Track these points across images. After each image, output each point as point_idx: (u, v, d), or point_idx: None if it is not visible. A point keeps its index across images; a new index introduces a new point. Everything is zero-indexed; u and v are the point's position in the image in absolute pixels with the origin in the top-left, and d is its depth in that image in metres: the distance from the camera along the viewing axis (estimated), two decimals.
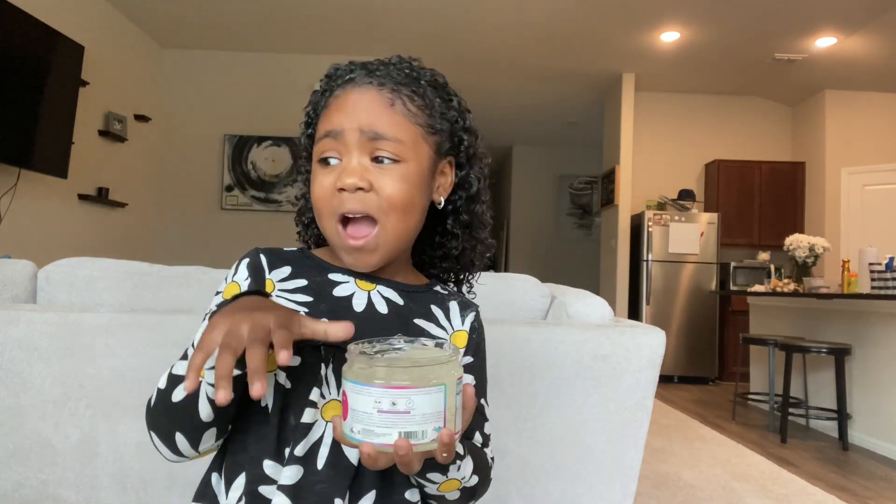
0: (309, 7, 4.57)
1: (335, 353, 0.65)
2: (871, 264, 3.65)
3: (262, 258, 0.72)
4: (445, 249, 0.80)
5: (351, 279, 0.72)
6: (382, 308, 0.70)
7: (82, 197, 4.32)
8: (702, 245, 5.65)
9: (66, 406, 1.10)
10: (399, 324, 0.70)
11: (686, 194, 5.98)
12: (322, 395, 0.64)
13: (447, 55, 5.42)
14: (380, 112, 0.68)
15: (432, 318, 0.73)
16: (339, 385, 0.63)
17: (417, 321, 0.72)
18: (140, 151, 5.04)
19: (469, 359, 0.74)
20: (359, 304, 0.70)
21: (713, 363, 5.61)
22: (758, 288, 4.47)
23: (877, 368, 3.40)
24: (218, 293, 0.71)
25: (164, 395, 0.61)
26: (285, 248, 0.76)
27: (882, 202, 5.50)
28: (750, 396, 4.49)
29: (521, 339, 1.14)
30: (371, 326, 0.67)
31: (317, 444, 0.63)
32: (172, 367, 0.62)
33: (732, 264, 5.81)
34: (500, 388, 1.13)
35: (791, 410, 3.80)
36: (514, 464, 1.14)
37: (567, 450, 1.15)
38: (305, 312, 0.66)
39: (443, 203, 0.75)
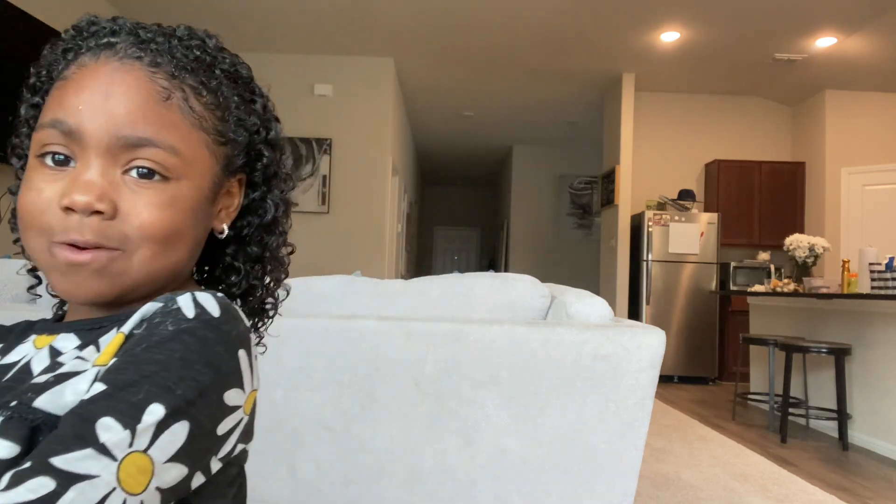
0: (309, 7, 4.57)
1: None
2: (871, 264, 3.65)
3: None
4: (225, 286, 0.61)
5: (32, 336, 0.51)
6: (38, 366, 0.48)
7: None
8: (702, 245, 5.65)
9: None
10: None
11: (686, 194, 5.98)
12: None
13: (447, 55, 5.42)
14: (147, 106, 0.47)
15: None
16: None
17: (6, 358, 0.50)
18: None
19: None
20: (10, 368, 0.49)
21: (713, 363, 5.61)
22: (758, 288, 4.47)
23: (877, 368, 3.40)
24: None
25: None
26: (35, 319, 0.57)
27: (882, 202, 5.51)
28: (750, 396, 4.49)
29: (521, 339, 1.14)
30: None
31: None
32: None
33: (732, 264, 5.82)
34: (500, 388, 1.13)
35: (791, 410, 3.80)
36: (514, 464, 1.14)
37: (567, 450, 1.15)
38: None
39: (226, 231, 0.57)
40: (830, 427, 3.71)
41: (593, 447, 1.15)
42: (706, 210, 6.02)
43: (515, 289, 1.30)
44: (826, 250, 4.31)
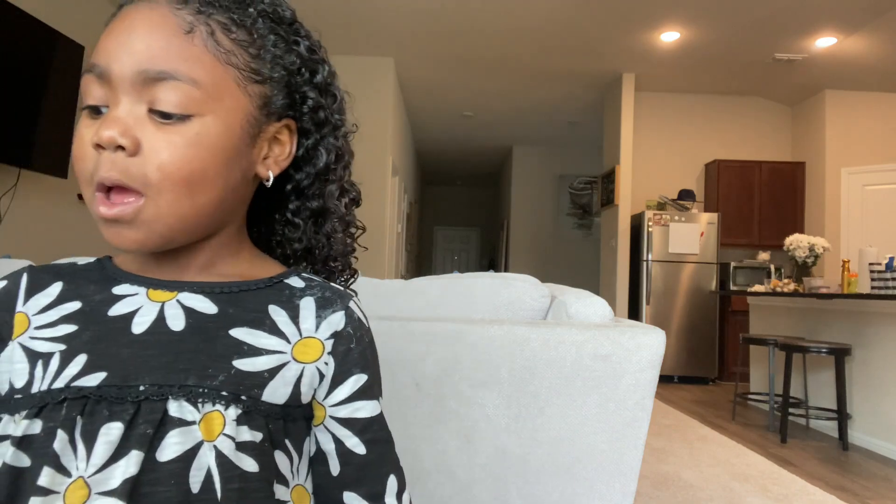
0: (309, 7, 4.56)
1: (88, 406, 0.45)
2: (871, 264, 3.65)
3: (23, 281, 0.53)
4: (287, 242, 0.61)
5: (141, 290, 0.52)
6: (177, 324, 0.50)
7: (82, 197, 4.32)
8: (702, 245, 5.65)
9: None
10: (201, 341, 0.50)
11: (686, 194, 5.98)
12: (62, 473, 0.43)
13: (447, 55, 5.42)
14: (167, 40, 0.47)
15: (263, 325, 0.52)
16: (90, 453, 0.43)
17: (236, 332, 0.51)
18: None
19: (343, 387, 0.54)
20: (140, 324, 0.50)
21: (713, 363, 5.61)
22: (758, 288, 4.47)
23: (877, 368, 3.40)
24: None
25: None
26: (79, 262, 0.57)
27: (882, 202, 5.51)
28: (750, 396, 4.49)
29: (521, 339, 1.14)
30: (153, 352, 0.48)
31: None
32: None
33: (732, 264, 5.82)
34: (500, 388, 1.13)
35: (791, 410, 3.80)
36: (514, 464, 1.14)
37: (567, 450, 1.15)
38: (61, 351, 0.48)
39: (272, 179, 0.56)
40: (830, 427, 3.71)
41: (593, 447, 1.15)
42: (706, 210, 6.02)
43: (515, 289, 1.30)
44: (826, 250, 4.31)
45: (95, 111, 0.49)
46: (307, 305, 0.55)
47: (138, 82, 0.47)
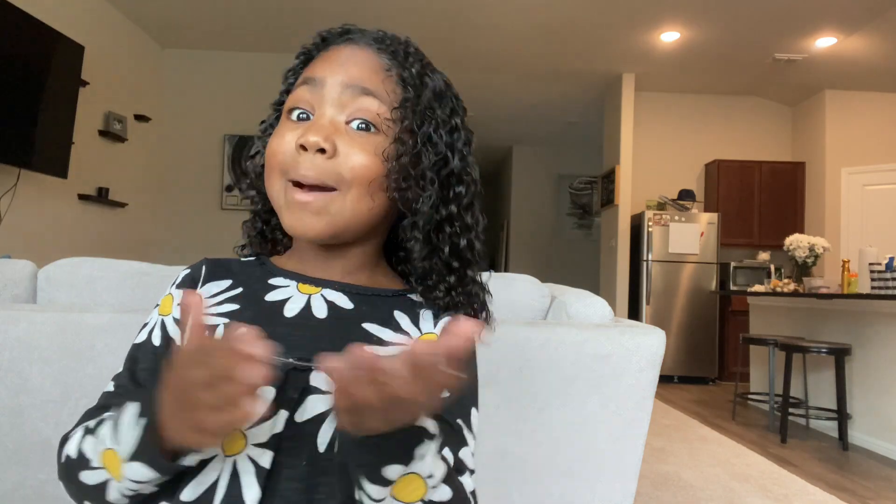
0: (309, 7, 4.57)
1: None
2: (871, 264, 3.65)
3: (203, 269, 0.65)
4: (408, 266, 0.67)
5: (292, 283, 0.62)
6: (320, 312, 0.60)
7: (82, 197, 4.32)
8: (702, 245, 5.65)
9: (66, 406, 1.10)
10: (339, 329, 0.59)
11: (686, 194, 5.98)
12: None
13: (448, 55, 5.42)
14: (372, 69, 0.60)
15: (390, 323, 0.61)
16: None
17: (368, 326, 0.60)
18: (140, 151, 5.04)
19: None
20: (291, 309, 0.60)
21: (713, 363, 5.61)
22: (758, 288, 4.47)
23: (877, 368, 3.40)
24: (155, 307, 0.65)
25: (71, 468, 0.52)
26: (242, 259, 0.68)
27: (882, 202, 5.50)
28: (750, 396, 4.49)
29: (521, 339, 1.14)
30: (302, 333, 0.58)
31: (211, 491, 0.52)
32: (79, 436, 0.53)
33: (732, 264, 5.81)
34: (500, 388, 1.13)
35: (791, 410, 3.80)
36: (514, 464, 1.14)
37: (567, 450, 1.15)
38: (225, 324, 0.58)
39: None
40: (830, 427, 3.71)
41: (593, 447, 1.15)
42: (706, 210, 6.02)
43: (515, 289, 1.30)
44: (826, 250, 4.31)
45: (294, 116, 0.60)
46: (427, 316, 0.64)
47: (346, 95, 0.59)
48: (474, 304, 0.65)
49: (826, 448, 3.40)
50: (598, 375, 1.14)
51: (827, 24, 4.58)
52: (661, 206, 5.85)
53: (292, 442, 0.53)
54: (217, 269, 0.65)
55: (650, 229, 5.63)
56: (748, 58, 5.27)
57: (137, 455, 0.48)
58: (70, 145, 3.89)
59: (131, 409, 0.48)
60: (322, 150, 0.56)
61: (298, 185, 0.58)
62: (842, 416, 3.42)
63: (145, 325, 0.63)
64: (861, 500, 2.55)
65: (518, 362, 1.13)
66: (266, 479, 0.52)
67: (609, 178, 6.01)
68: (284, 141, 0.59)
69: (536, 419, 1.14)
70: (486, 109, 6.93)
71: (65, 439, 0.55)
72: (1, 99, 3.30)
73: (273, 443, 0.53)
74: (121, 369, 0.61)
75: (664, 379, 5.53)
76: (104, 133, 4.53)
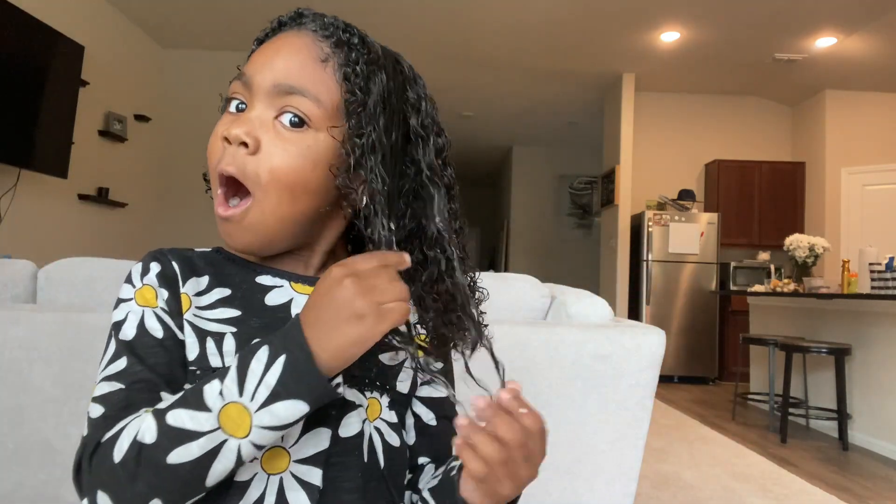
0: (308, 7, 4.56)
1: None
2: (871, 264, 3.65)
3: (174, 266, 0.58)
4: None
5: (285, 282, 0.59)
6: None
7: (82, 197, 4.32)
8: (702, 245, 5.65)
9: (66, 406, 1.10)
10: None
11: (686, 194, 5.98)
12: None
13: (448, 55, 5.42)
14: (303, 63, 0.56)
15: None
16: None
17: None
18: (140, 151, 5.04)
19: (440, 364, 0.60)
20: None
21: (713, 363, 5.61)
22: (758, 288, 4.47)
23: (877, 368, 3.40)
24: (122, 301, 0.57)
25: (150, 457, 0.45)
26: (196, 249, 0.62)
27: (882, 202, 5.50)
28: (750, 396, 4.49)
29: (521, 339, 1.14)
30: None
31: None
32: (151, 421, 0.47)
33: (732, 264, 5.81)
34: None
35: (791, 410, 3.80)
36: None
37: (567, 450, 1.15)
38: (233, 333, 0.55)
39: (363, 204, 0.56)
40: (830, 427, 3.71)
41: (593, 447, 1.15)
42: (706, 210, 6.01)
43: (515, 289, 1.30)
44: (826, 250, 4.30)
45: (237, 109, 0.57)
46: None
47: (273, 93, 0.55)
48: (464, 330, 0.61)
49: (826, 448, 3.40)
50: (598, 375, 1.14)
51: (827, 24, 4.58)
52: (661, 206, 5.85)
53: (342, 457, 0.55)
54: (189, 265, 0.59)
55: (650, 229, 5.63)
56: (748, 58, 5.27)
57: (281, 394, 0.45)
58: (70, 145, 3.89)
59: (261, 355, 0.46)
60: (244, 145, 0.54)
61: (224, 182, 0.56)
62: (842, 416, 3.42)
63: (123, 320, 0.55)
64: (861, 500, 2.55)
65: (518, 362, 1.13)
66: (321, 495, 0.53)
67: (609, 178, 6.01)
68: (216, 134, 0.57)
69: None
70: (486, 109, 6.92)
71: (113, 440, 0.47)
72: (1, 99, 3.30)
73: (319, 458, 0.53)
74: (110, 372, 0.53)
75: (664, 379, 5.53)
76: (104, 133, 4.53)
